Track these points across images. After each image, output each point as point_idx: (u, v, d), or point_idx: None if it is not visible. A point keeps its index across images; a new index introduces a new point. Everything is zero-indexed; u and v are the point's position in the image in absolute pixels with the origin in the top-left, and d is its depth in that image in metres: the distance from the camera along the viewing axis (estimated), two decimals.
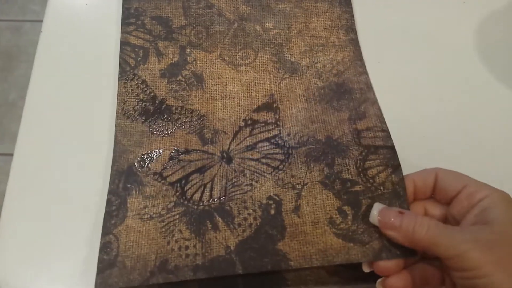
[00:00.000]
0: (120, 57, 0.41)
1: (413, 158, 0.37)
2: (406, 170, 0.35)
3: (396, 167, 0.35)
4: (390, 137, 0.37)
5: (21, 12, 1.35)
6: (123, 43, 0.42)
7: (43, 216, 0.35)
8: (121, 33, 0.42)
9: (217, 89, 0.40)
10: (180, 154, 0.37)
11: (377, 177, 0.34)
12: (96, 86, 0.41)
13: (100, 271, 0.32)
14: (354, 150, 0.36)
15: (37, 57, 0.42)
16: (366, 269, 0.32)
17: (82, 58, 0.42)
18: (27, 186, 0.36)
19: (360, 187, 0.34)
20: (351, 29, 0.44)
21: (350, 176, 0.34)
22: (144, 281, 0.31)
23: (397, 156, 0.35)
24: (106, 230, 0.33)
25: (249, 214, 0.33)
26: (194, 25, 0.43)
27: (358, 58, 0.42)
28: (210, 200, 0.34)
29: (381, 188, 0.34)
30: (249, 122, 0.39)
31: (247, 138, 0.37)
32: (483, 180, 0.30)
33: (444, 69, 0.43)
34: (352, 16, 0.45)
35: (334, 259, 0.31)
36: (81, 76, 0.41)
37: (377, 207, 0.31)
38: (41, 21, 0.44)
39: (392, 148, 0.36)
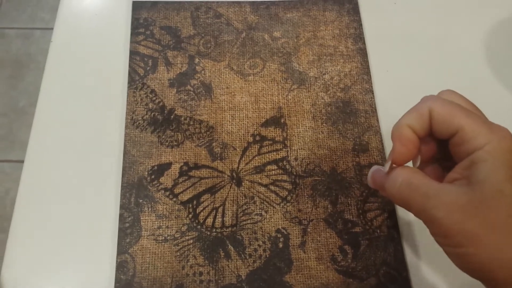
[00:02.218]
0: (129, 66, 0.42)
1: None
2: None
3: (392, 212, 0.37)
4: None
5: (30, 20, 1.36)
6: (132, 53, 0.42)
7: (53, 223, 0.36)
8: (130, 42, 0.43)
9: (226, 99, 0.41)
10: (190, 170, 0.38)
11: (374, 220, 0.37)
12: (105, 94, 0.41)
13: None
14: (356, 189, 0.38)
15: (47, 66, 0.43)
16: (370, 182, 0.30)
17: (91, 68, 0.43)
18: (37, 193, 0.37)
19: (359, 229, 0.37)
20: (359, 38, 0.44)
21: (351, 217, 0.37)
22: None
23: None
24: (122, 248, 0.34)
25: (259, 245, 0.36)
26: (203, 35, 0.44)
27: (365, 72, 0.42)
28: (223, 228, 0.36)
29: (378, 231, 0.37)
30: (258, 138, 0.39)
31: (256, 158, 0.39)
32: None
33: (453, 76, 0.43)
34: (361, 25, 0.45)
35: None
36: (91, 85, 0.42)
37: (372, 169, 0.30)
38: (51, 29, 0.45)
39: None
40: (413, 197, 0.25)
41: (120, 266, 0.34)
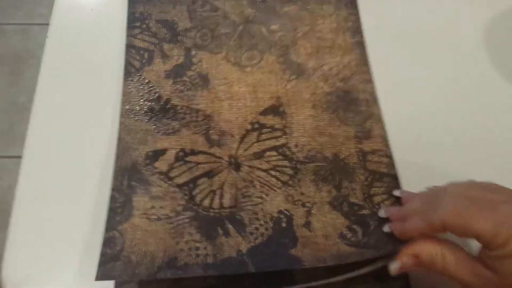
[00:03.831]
0: (125, 59, 0.41)
1: (421, 160, 0.38)
2: (413, 172, 0.36)
3: (399, 198, 0.35)
4: (394, 164, 0.37)
5: (29, 16, 1.36)
6: (129, 46, 0.42)
7: (52, 218, 0.36)
8: (126, 36, 0.43)
9: (223, 89, 0.40)
10: (187, 155, 0.37)
11: (382, 204, 0.35)
12: (102, 89, 0.41)
13: (102, 263, 0.31)
14: (360, 175, 0.36)
15: (43, 61, 0.43)
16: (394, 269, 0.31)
17: (88, 62, 0.43)
18: (36, 188, 0.37)
19: (367, 211, 0.35)
20: (357, 31, 0.44)
21: (357, 200, 0.35)
22: (151, 275, 0.31)
23: (399, 186, 0.36)
24: (110, 226, 0.33)
25: (260, 224, 0.34)
26: (200, 28, 0.44)
27: (364, 63, 0.42)
28: (221, 209, 0.34)
29: None
30: (256, 126, 0.39)
31: (255, 144, 0.38)
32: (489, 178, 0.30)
33: (451, 70, 0.43)
34: (359, 18, 0.45)
35: (348, 259, 0.32)
36: (87, 79, 0.42)
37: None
38: (50, 20, 0.45)
39: (395, 177, 0.36)
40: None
41: (107, 242, 0.32)
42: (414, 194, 0.33)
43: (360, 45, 0.43)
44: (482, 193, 0.28)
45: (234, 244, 0.33)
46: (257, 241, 0.33)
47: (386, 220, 0.33)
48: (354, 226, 0.34)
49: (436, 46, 0.44)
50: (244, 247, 0.32)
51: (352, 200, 0.35)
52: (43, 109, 0.41)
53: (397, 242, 0.31)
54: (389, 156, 0.37)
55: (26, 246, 0.35)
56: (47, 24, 0.45)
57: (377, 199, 0.35)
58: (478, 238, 0.26)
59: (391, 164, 0.37)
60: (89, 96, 0.41)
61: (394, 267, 0.30)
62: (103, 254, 0.32)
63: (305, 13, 0.45)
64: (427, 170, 0.38)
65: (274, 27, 0.44)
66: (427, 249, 0.29)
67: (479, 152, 0.39)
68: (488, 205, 0.27)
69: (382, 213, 0.34)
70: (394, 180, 0.36)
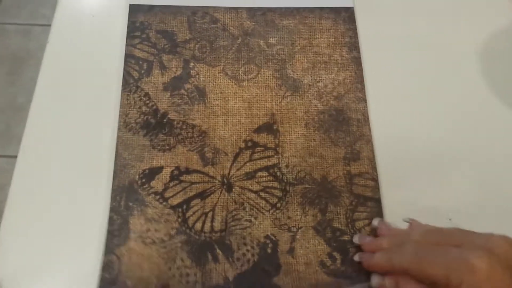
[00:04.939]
0: (124, 69, 0.42)
1: (407, 182, 0.39)
2: (398, 194, 0.36)
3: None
4: (378, 188, 0.38)
5: (31, 16, 1.36)
6: (128, 56, 0.42)
7: (44, 220, 0.36)
8: (126, 45, 0.43)
9: (219, 104, 0.41)
10: (181, 174, 0.38)
11: (363, 229, 0.37)
12: (99, 96, 0.41)
13: None
14: (346, 198, 0.38)
15: (43, 66, 0.43)
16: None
17: (87, 69, 0.43)
18: (29, 189, 0.37)
19: (348, 237, 0.37)
20: (354, 46, 0.44)
21: (340, 225, 0.37)
22: None
23: (382, 210, 0.38)
24: (109, 249, 0.35)
25: (247, 250, 0.36)
26: (199, 39, 0.44)
27: (359, 81, 0.43)
28: (212, 232, 0.36)
29: None
30: (250, 144, 0.40)
31: (247, 164, 0.39)
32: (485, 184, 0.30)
33: (447, 87, 0.43)
34: (356, 34, 0.45)
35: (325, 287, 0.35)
36: (86, 84, 0.42)
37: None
38: (51, 25, 0.45)
39: (378, 201, 0.38)
40: None
41: (106, 266, 0.34)
42: (388, 229, 0.35)
43: (356, 60, 0.44)
44: (440, 239, 0.30)
45: (221, 271, 0.35)
46: (243, 268, 0.35)
47: (360, 248, 0.36)
48: (335, 253, 0.36)
49: (432, 64, 0.45)
50: (230, 275, 0.35)
51: (335, 225, 0.37)
52: (40, 111, 0.41)
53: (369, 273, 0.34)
54: (375, 180, 0.39)
55: (18, 247, 0.35)
56: (49, 25, 0.45)
57: (359, 224, 0.37)
58: (434, 284, 0.28)
59: (376, 188, 0.38)
60: (86, 101, 0.41)
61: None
62: (102, 279, 0.34)
63: (303, 27, 0.45)
64: (413, 192, 0.39)
65: (272, 40, 0.44)
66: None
67: (470, 175, 0.39)
68: (442, 251, 0.29)
69: (356, 240, 0.36)
70: (377, 204, 0.38)
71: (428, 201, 0.38)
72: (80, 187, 0.38)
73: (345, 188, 0.38)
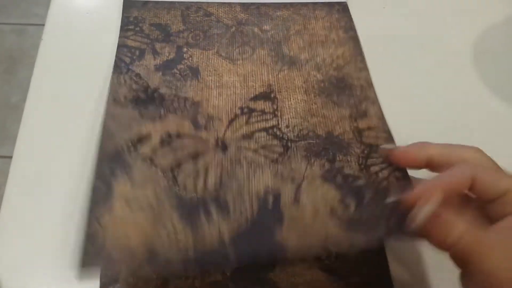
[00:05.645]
0: (116, 56, 0.41)
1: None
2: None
3: (400, 168, 0.33)
4: (393, 138, 0.36)
5: (25, 16, 1.36)
6: (120, 46, 0.42)
7: (41, 218, 0.36)
8: (119, 37, 0.43)
9: (213, 79, 0.39)
10: (172, 139, 0.35)
11: (380, 173, 0.33)
12: (95, 92, 0.41)
13: (84, 263, 0.30)
14: (356, 148, 0.34)
15: (37, 63, 0.43)
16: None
17: (81, 65, 0.43)
18: (25, 188, 0.37)
19: (363, 181, 0.32)
20: (350, 28, 0.44)
21: (352, 171, 0.33)
22: (132, 273, 0.31)
23: None
24: (91, 219, 0.31)
25: (245, 208, 0.31)
26: (192, 30, 0.44)
27: (358, 53, 0.42)
28: (205, 189, 0.32)
29: (385, 182, 0.32)
30: (246, 110, 0.37)
31: (244, 127, 0.36)
32: None
33: (442, 79, 0.44)
34: (351, 19, 0.45)
35: (335, 246, 0.30)
36: (80, 82, 0.42)
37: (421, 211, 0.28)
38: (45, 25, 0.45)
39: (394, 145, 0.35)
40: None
41: (89, 238, 0.30)
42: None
43: (354, 39, 0.43)
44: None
45: (216, 234, 0.30)
46: (240, 228, 0.30)
47: (381, 192, 0.31)
48: (347, 199, 0.31)
49: (427, 58, 0.45)
50: (226, 236, 0.30)
51: (347, 171, 0.33)
52: (35, 109, 0.41)
53: (390, 220, 0.29)
54: (387, 131, 0.36)
55: (14, 248, 0.35)
56: (43, 25, 0.45)
57: (374, 168, 0.33)
58: (508, 192, 0.26)
59: (389, 138, 0.35)
60: (82, 99, 0.41)
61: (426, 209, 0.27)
62: (85, 252, 0.29)
63: (297, 16, 0.45)
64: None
65: (266, 27, 0.44)
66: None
67: None
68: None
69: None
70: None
71: None
72: (76, 185, 0.37)
73: (354, 140, 0.35)
